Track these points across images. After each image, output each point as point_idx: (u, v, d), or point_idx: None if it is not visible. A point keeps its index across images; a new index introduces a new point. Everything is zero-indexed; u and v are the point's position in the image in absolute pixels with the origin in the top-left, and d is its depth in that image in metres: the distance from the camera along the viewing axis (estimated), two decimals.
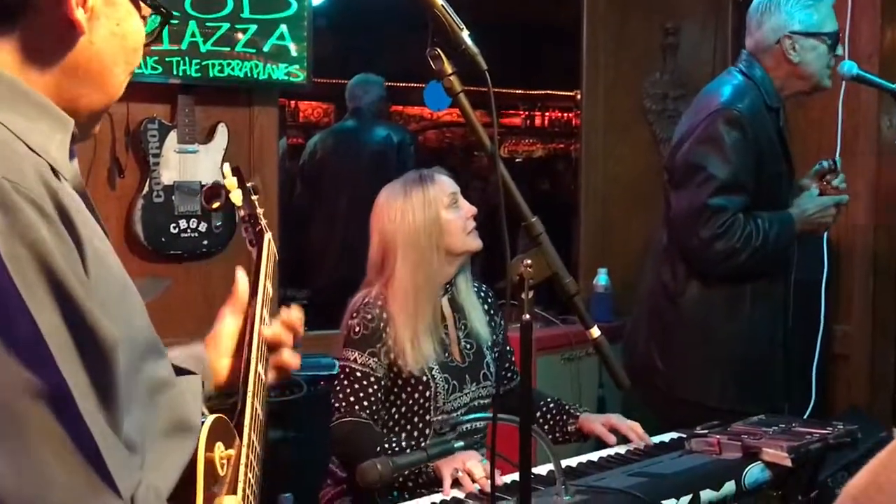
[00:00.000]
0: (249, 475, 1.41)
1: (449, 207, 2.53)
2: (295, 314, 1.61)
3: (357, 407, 2.43)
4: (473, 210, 2.57)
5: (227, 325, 1.57)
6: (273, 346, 1.58)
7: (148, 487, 1.07)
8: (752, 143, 2.86)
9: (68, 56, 1.09)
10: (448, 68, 1.43)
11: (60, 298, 0.96)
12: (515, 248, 1.45)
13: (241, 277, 1.61)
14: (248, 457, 1.41)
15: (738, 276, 2.92)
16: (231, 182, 1.87)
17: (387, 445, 2.32)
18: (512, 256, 1.46)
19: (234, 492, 1.36)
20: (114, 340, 1.00)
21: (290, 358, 1.60)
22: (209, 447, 1.29)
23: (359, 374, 2.45)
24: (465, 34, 1.42)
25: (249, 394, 1.50)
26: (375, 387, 2.45)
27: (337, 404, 2.44)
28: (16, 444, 0.93)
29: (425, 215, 2.50)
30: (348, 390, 2.44)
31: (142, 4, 1.18)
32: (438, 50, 1.43)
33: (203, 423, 1.29)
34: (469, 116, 1.46)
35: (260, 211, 1.88)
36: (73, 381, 0.96)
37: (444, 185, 2.55)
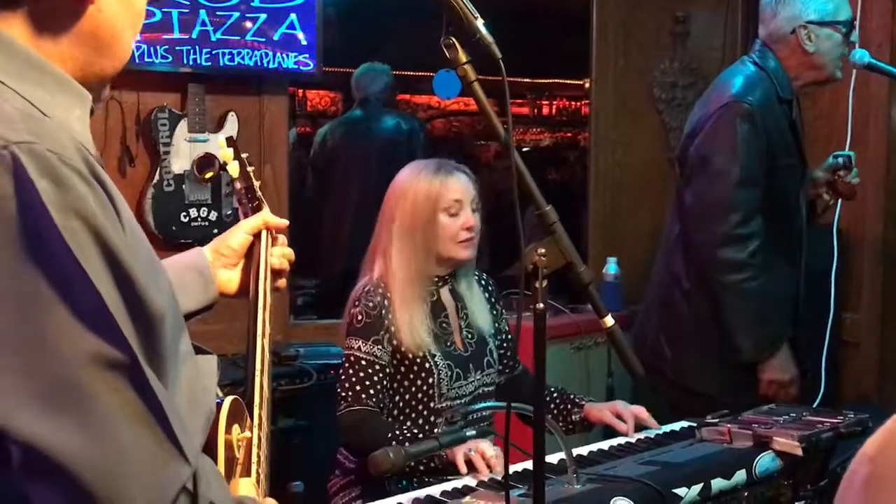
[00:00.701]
0: (260, 454, 1.41)
1: (447, 211, 2.49)
2: (287, 250, 1.78)
3: (364, 395, 2.42)
4: (472, 223, 2.51)
5: (238, 237, 1.74)
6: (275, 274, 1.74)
7: (204, 457, 1.07)
8: (763, 135, 2.83)
9: (77, 25, 1.07)
10: (462, 57, 1.43)
11: (115, 271, 0.95)
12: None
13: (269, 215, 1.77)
14: (258, 436, 1.42)
15: (722, 304, 2.87)
16: (227, 153, 1.85)
17: (398, 433, 2.32)
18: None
19: (248, 473, 1.37)
20: (161, 311, 1.00)
21: (283, 282, 1.78)
22: (227, 429, 1.29)
23: (364, 362, 2.44)
24: (479, 23, 1.42)
25: (258, 371, 1.51)
26: (381, 374, 2.45)
27: (343, 393, 2.44)
28: (89, 414, 0.92)
29: (423, 207, 2.48)
30: (353, 379, 2.44)
31: None
32: (453, 39, 1.43)
33: (220, 403, 1.29)
34: (483, 105, 1.45)
35: (257, 184, 1.86)
36: (137, 350, 0.96)
37: (452, 187, 2.51)
